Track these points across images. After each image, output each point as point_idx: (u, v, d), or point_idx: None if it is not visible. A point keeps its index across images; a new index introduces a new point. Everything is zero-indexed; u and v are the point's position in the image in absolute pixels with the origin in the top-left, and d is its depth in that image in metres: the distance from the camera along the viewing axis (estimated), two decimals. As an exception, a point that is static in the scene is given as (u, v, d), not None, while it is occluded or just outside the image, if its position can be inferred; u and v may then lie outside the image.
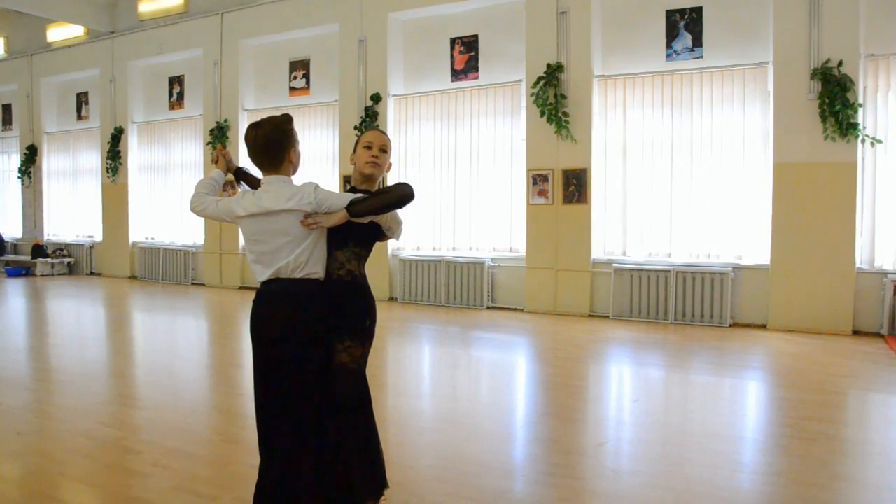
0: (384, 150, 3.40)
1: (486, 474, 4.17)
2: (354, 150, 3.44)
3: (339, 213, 3.10)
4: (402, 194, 3.15)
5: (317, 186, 3.11)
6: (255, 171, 3.46)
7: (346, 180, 11.51)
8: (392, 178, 11.56)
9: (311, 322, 3.12)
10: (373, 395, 5.01)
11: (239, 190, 3.49)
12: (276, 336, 3.10)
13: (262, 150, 3.12)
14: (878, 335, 8.47)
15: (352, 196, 3.16)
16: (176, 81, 15.13)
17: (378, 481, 3.38)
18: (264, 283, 3.16)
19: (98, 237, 16.51)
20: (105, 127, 15.87)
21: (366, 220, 3.21)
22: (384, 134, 3.48)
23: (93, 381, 6.58)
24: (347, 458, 3.24)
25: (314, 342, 3.13)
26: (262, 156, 3.14)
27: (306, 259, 3.11)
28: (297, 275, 3.11)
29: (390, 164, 3.52)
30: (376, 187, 3.43)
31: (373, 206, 3.13)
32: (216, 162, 3.55)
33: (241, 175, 3.68)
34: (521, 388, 6.71)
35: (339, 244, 3.25)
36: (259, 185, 3.32)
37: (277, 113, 3.37)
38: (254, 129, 3.14)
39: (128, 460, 4.41)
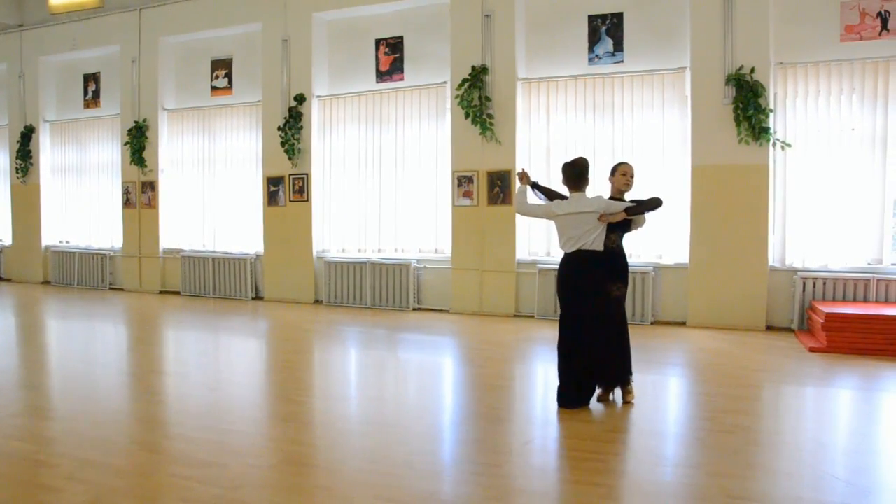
0: (633, 175, 5.72)
1: (413, 476, 4.17)
2: (613, 175, 5.76)
3: (621, 213, 5.43)
4: (657, 204, 5.52)
5: (604, 198, 5.54)
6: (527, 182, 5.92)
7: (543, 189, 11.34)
8: (316, 178, 11.72)
9: (599, 271, 5.48)
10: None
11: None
12: (583, 281, 5.45)
13: (575, 178, 5.57)
14: (789, 330, 8.86)
15: (623, 203, 5.52)
16: (91, 79, 14.53)
17: (628, 368, 5.64)
18: (571, 253, 5.48)
19: (7, 241, 15.74)
20: (14, 125, 15.11)
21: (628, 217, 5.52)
22: (632, 165, 5.82)
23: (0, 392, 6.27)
24: (617, 351, 5.55)
25: (601, 282, 5.49)
26: (574, 181, 5.58)
27: (596, 239, 5.43)
28: (591, 248, 5.43)
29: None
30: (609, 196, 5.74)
31: (640, 210, 5.52)
32: (522, 179, 5.93)
33: (537, 186, 5.98)
34: (447, 389, 6.73)
35: (610, 231, 5.53)
36: (548, 192, 5.89)
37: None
38: (570, 166, 5.60)
39: (40, 475, 4.21)
